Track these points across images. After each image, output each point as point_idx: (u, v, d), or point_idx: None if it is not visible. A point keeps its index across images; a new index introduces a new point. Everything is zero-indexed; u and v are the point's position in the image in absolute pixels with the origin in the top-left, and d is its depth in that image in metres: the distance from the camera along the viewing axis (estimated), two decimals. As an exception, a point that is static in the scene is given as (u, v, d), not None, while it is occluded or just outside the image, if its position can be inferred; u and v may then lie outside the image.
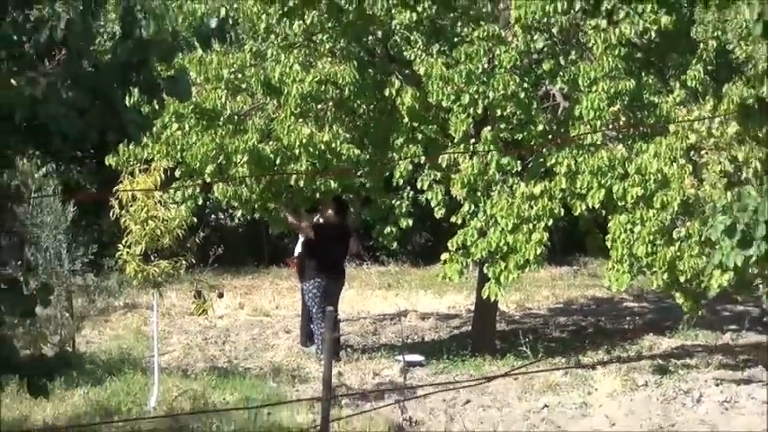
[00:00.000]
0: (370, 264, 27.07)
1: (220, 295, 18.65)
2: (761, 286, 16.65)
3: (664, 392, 16.58)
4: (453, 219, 18.30)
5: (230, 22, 20.22)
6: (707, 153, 17.15)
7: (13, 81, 10.97)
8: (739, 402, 15.96)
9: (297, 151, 18.31)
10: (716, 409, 15.66)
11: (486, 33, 18.02)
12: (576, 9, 18.33)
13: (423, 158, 19.12)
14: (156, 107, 15.68)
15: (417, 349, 19.97)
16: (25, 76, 11.34)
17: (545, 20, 18.05)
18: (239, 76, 19.23)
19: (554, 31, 18.50)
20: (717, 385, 16.84)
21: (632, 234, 16.96)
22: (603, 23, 17.89)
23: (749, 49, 16.75)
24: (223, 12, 17.25)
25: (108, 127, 14.22)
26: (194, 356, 19.30)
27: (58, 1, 11.52)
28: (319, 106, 18.91)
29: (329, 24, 19.06)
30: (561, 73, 18.26)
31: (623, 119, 18.17)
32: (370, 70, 19.31)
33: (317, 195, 19.64)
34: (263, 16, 19.06)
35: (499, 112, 18.05)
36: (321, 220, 19.49)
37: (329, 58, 18.94)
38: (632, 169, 17.08)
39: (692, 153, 17.39)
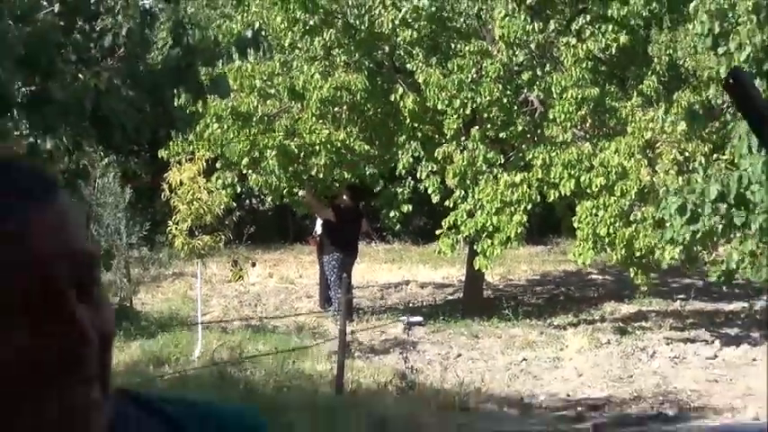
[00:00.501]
0: (378, 242, 27.22)
1: (253, 264, 19.09)
2: (705, 261, 16.68)
3: (623, 349, 16.86)
4: (447, 203, 18.58)
5: (263, 33, 20.49)
6: (661, 146, 17.31)
7: (81, 75, 11.32)
8: (687, 358, 16.22)
9: (317, 147, 18.60)
10: (667, 364, 15.93)
11: (475, 48, 18.47)
12: (551, 29, 18.72)
13: (421, 153, 19.34)
14: (200, 109, 16.00)
15: (417, 312, 20.14)
16: (91, 70, 11.48)
17: (524, 38, 18.26)
18: (269, 83, 19.43)
19: (532, 46, 18.60)
20: (667, 344, 17.13)
21: (596, 217, 17.21)
22: (573, 41, 18.30)
23: (696, 62, 17.03)
24: (257, 24, 17.40)
25: (160, 124, 14.47)
26: (231, 316, 19.32)
27: (119, 14, 11.65)
28: (335, 109, 19.16)
29: (344, 41, 19.29)
30: (538, 82, 18.47)
31: (589, 121, 18.48)
32: (378, 79, 19.57)
33: (335, 184, 19.96)
34: (289, 33, 19.21)
35: (486, 115, 18.41)
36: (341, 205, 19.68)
37: (344, 69, 19.17)
38: (597, 162, 17.36)
39: (647, 150, 17.50)
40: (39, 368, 1.12)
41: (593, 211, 17.38)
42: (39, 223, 1.14)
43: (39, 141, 11.18)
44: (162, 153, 18.98)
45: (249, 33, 15.61)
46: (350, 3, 19.47)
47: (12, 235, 1.12)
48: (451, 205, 18.62)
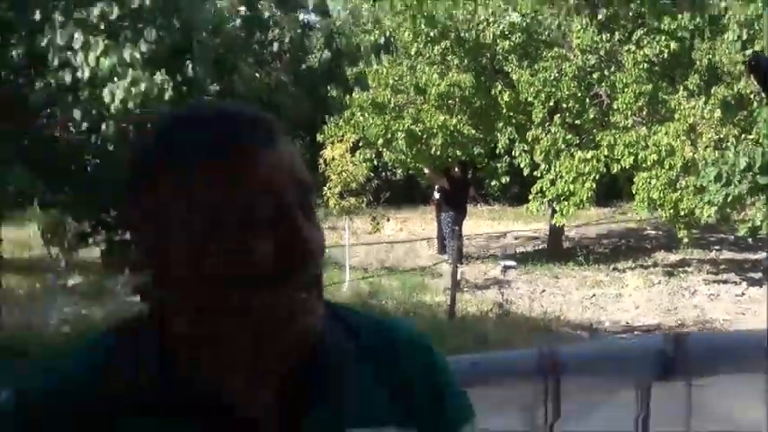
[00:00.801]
0: (482, 204, 27.18)
1: (387, 220, 19.66)
2: (735, 219, 17.29)
3: (670, 288, 17.36)
4: (535, 174, 19.10)
5: (393, 42, 21.44)
6: (701, 129, 17.67)
7: (257, 74, 12.59)
8: (720, 295, 16.72)
9: (435, 131, 19.20)
10: (704, 300, 16.43)
11: (556, 54, 19.02)
12: (616, 39, 19.17)
13: (515, 136, 19.86)
14: (347, 101, 17.37)
15: (511, 258, 20.56)
16: (264, 70, 12.83)
17: (595, 46, 18.98)
18: (399, 81, 20.10)
19: (601, 53, 19.04)
20: (705, 284, 17.61)
21: (650, 185, 17.57)
22: (633, 48, 18.72)
23: (729, 61, 17.69)
24: (388, 33, 18.81)
25: (317, 112, 15.47)
26: (370, 260, 20.19)
27: (285, 27, 12.95)
28: (449, 101, 19.63)
29: (456, 49, 19.83)
30: (605, 80, 18.92)
31: (645, 110, 18.88)
32: (482, 78, 19.96)
33: (449, 160, 20.35)
34: (414, 43, 19.89)
35: (564, 105, 18.93)
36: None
37: (456, 71, 19.66)
38: (651, 143, 17.75)
39: (690, 133, 17.70)
40: (277, 271, 1.18)
41: (648, 180, 17.56)
42: (275, 160, 1.21)
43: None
44: (318, 136, 19.59)
45: (383, 41, 16.77)
46: (461, 19, 19.74)
47: (256, 171, 1.19)
48: (539, 176, 18.86)
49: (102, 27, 9.32)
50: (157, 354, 1.24)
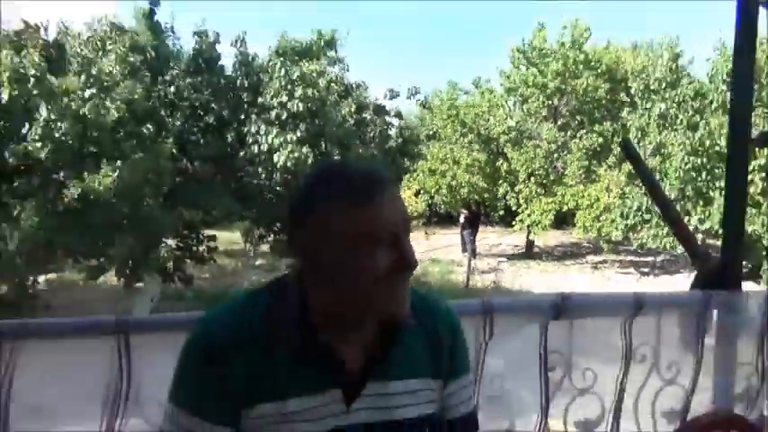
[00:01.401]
0: (488, 226, 24.66)
1: (434, 233, 19.05)
2: (633, 237, 15.16)
3: (595, 276, 16.19)
4: (518, 210, 18.10)
5: (439, 133, 20.37)
6: (613, 187, 16.28)
7: (360, 150, 11.55)
8: (623, 281, 15.50)
9: (463, 185, 18.60)
10: (614, 283, 15.30)
11: (533, 144, 18.17)
12: (567, 135, 18.06)
13: (509, 188, 18.73)
14: (414, 167, 16.47)
15: (504, 256, 19.42)
16: (366, 147, 11.47)
17: (555, 139, 17.99)
18: (443, 157, 19.06)
19: (559, 143, 18.04)
20: (616, 274, 16.42)
21: (584, 218, 16.62)
22: (577, 140, 17.70)
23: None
24: (436, 128, 18.07)
25: (396, 173, 14.89)
26: (423, 256, 17.81)
27: (377, 123, 12.54)
28: (472, 169, 18.87)
29: (476, 139, 19.05)
30: (560, 158, 18.04)
31: (583, 176, 17.67)
32: (491, 156, 19.11)
33: (470, 200, 19.39)
34: (453, 135, 19.18)
35: (537, 172, 17.95)
36: None
37: (476, 152, 18.97)
38: (585, 194, 16.78)
39: (608, 190, 16.44)
40: (391, 274, 1.06)
41: (583, 215, 16.57)
42: (390, 200, 1.08)
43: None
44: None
45: (432, 133, 16.16)
46: (480, 122, 18.78)
47: (381, 210, 1.06)
48: (521, 211, 17.91)
49: (276, 122, 9.47)
50: (299, 316, 1.14)
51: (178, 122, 9.97)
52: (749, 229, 7.75)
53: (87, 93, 8.30)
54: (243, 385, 1.10)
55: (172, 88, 10.04)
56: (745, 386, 2.10)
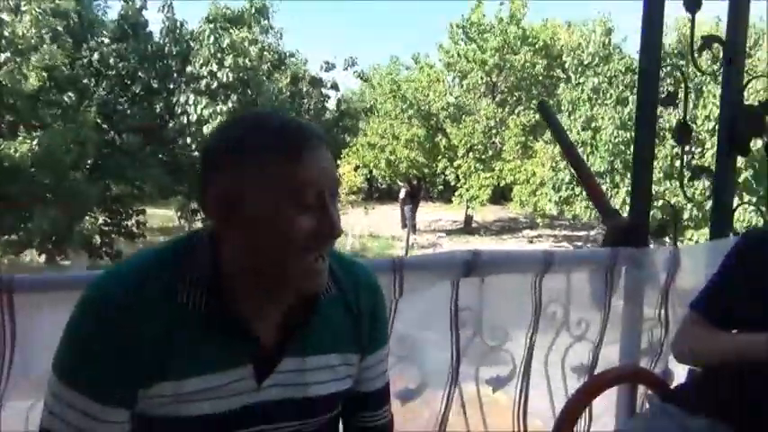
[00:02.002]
0: (428, 201, 25.45)
1: (373, 208, 18.94)
2: (566, 211, 15.65)
3: (531, 250, 17.56)
4: (457, 185, 18.50)
5: (378, 108, 21.16)
6: (548, 162, 16.31)
7: None
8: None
9: (402, 160, 18.83)
10: None
11: (472, 119, 18.44)
12: (505, 111, 18.49)
13: (448, 163, 19.20)
14: (353, 142, 16.53)
15: (443, 231, 19.92)
16: (302, 120, 12.64)
17: (493, 114, 18.33)
18: (383, 132, 19.24)
19: (497, 119, 18.40)
20: (550, 247, 15.52)
21: (521, 193, 17.13)
22: (515, 117, 18.14)
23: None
24: (375, 102, 18.13)
25: (333, 147, 14.96)
26: (364, 231, 18.42)
27: (313, 95, 12.43)
28: (411, 144, 18.99)
29: (416, 115, 19.19)
30: (498, 134, 18.32)
31: (520, 151, 18.11)
32: (430, 131, 19.37)
33: (410, 175, 20.07)
34: (393, 110, 19.17)
35: (475, 148, 18.25)
36: None
37: (416, 127, 19.12)
38: (522, 169, 17.21)
39: (543, 165, 16.53)
40: (312, 239, 0.98)
41: (521, 190, 17.06)
42: (322, 159, 0.99)
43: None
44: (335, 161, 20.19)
45: (369, 107, 16.15)
46: (420, 98, 18.94)
47: (311, 165, 0.97)
48: (460, 186, 18.16)
49: (206, 92, 9.21)
50: (210, 282, 1.01)
51: (104, 91, 9.55)
52: (673, 200, 8.00)
53: (2, 57, 7.82)
54: (141, 360, 0.97)
55: (96, 55, 9.58)
56: (650, 340, 2.13)
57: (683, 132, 2.18)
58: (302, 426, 1.11)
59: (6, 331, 1.46)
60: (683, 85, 2.50)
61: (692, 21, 2.14)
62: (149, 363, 0.97)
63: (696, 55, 2.18)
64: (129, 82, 9.83)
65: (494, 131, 18.84)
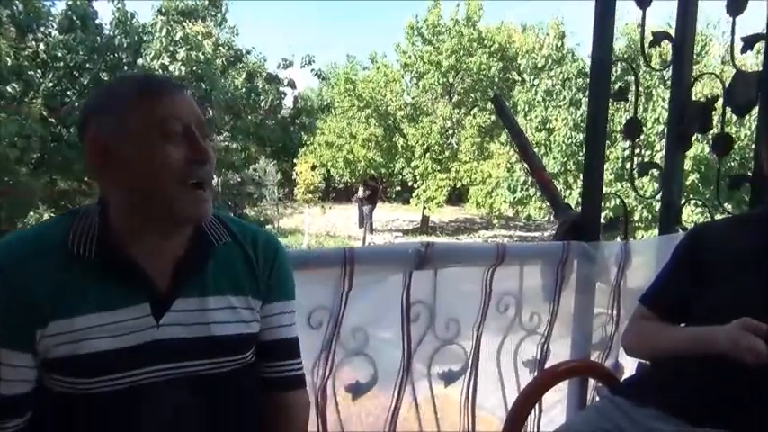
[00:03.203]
0: (385, 201, 25.68)
1: (330, 208, 18.76)
2: (520, 212, 15.52)
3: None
4: (414, 186, 18.61)
5: (335, 106, 20.87)
6: (503, 163, 16.11)
7: (251, 118, 10.57)
8: None
9: (360, 159, 18.72)
10: None
11: (429, 120, 18.38)
12: (462, 112, 18.47)
13: (405, 164, 19.29)
14: (309, 140, 16.36)
15: (400, 232, 19.81)
16: (256, 116, 10.70)
17: (450, 115, 18.32)
18: (340, 130, 19.19)
19: (453, 119, 18.39)
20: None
21: (477, 194, 17.13)
22: (471, 118, 18.10)
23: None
24: (333, 100, 18.11)
25: (291, 145, 14.90)
26: (320, 230, 18.41)
27: (269, 92, 11.21)
28: (369, 143, 18.99)
29: (373, 114, 19.08)
30: (455, 135, 18.35)
31: (476, 152, 18.11)
32: (387, 131, 19.24)
33: (367, 175, 19.81)
34: (350, 109, 19.03)
35: (432, 148, 18.24)
36: None
37: (373, 126, 18.99)
38: (478, 171, 17.28)
39: (498, 166, 16.35)
40: (183, 166, 1.04)
41: (477, 191, 17.23)
42: (183, 99, 1.08)
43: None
44: (294, 159, 18.41)
45: (326, 104, 15.94)
46: (377, 97, 18.84)
47: (173, 103, 1.05)
48: (417, 187, 18.17)
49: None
50: (99, 231, 1.09)
51: (50, 83, 9.22)
52: (626, 201, 8.17)
53: (-60, 45, 7.47)
54: (37, 303, 1.03)
55: (42, 46, 9.25)
56: (601, 334, 2.17)
57: (634, 128, 2.21)
58: (211, 367, 1.13)
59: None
60: (633, 81, 2.54)
61: (643, 16, 2.16)
62: (42, 304, 1.03)
63: (647, 51, 2.20)
64: (77, 74, 9.52)
65: (450, 132, 18.93)
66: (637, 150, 2.36)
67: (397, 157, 19.60)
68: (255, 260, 1.21)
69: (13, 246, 1.06)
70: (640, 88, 10.01)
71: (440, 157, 18.78)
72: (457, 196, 22.98)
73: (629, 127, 2.21)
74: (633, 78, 2.30)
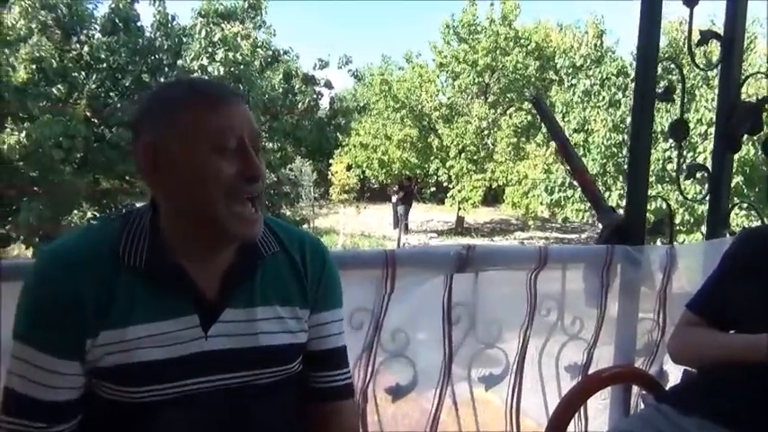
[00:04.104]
0: (420, 202, 25.17)
1: (365, 207, 18.64)
2: (557, 214, 15.34)
3: None
4: (449, 186, 18.45)
5: (371, 107, 20.92)
6: (540, 164, 16.02)
7: (288, 119, 10.62)
8: None
9: (395, 160, 18.68)
10: None
11: (464, 120, 18.27)
12: (498, 112, 18.38)
13: (440, 164, 19.13)
14: (345, 141, 16.28)
15: (434, 232, 19.63)
16: (293, 117, 10.73)
17: (486, 116, 18.13)
18: (376, 131, 19.12)
19: (489, 120, 18.25)
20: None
21: (513, 195, 16.94)
22: (507, 118, 18.01)
23: None
24: (369, 101, 18.00)
25: (328, 146, 14.95)
26: (355, 230, 18.23)
27: (305, 93, 11.53)
28: (404, 144, 18.89)
29: (409, 115, 18.98)
30: (491, 135, 18.20)
31: (512, 153, 17.91)
32: (423, 132, 19.17)
33: (402, 176, 19.56)
34: (386, 110, 18.96)
35: (468, 149, 18.09)
36: None
37: (409, 127, 18.95)
38: (514, 171, 17.09)
39: (536, 167, 16.32)
40: (235, 182, 1.02)
41: (512, 192, 17.06)
42: (240, 111, 1.04)
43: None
44: (330, 160, 18.18)
45: (362, 106, 15.91)
46: (413, 98, 18.82)
47: (228, 114, 1.02)
48: (452, 187, 18.05)
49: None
50: (150, 239, 1.09)
51: (93, 85, 9.46)
52: (664, 205, 7.99)
53: (-10, 48, 7.73)
54: (87, 313, 1.03)
55: (86, 48, 9.49)
56: (646, 340, 2.12)
57: (680, 128, 2.16)
58: (257, 377, 1.13)
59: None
60: (678, 81, 2.48)
61: (691, 14, 2.11)
62: (92, 313, 1.02)
63: (694, 50, 2.15)
64: (119, 75, 9.74)
65: (486, 132, 18.74)
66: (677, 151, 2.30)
67: (432, 158, 19.51)
68: (304, 269, 1.20)
69: (62, 253, 1.05)
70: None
71: (475, 158, 18.63)
72: (492, 197, 22.74)
73: (676, 128, 2.16)
74: (679, 78, 2.24)
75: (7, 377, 1.06)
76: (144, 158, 1.05)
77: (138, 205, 1.20)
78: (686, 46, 2.14)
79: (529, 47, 18.36)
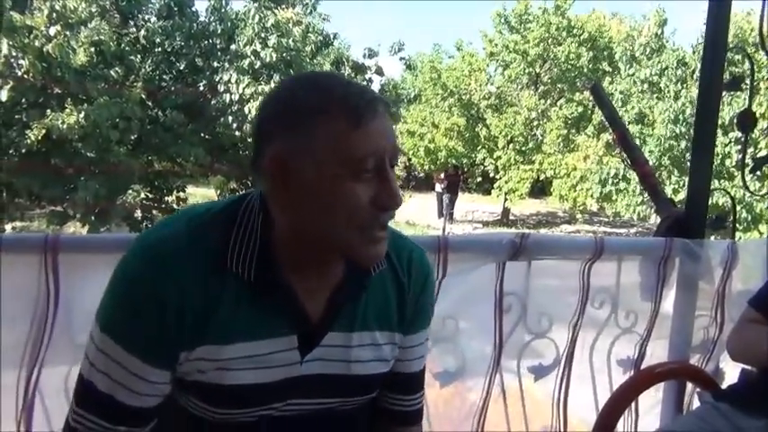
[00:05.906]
0: (466, 192, 24.36)
1: (410, 197, 18.50)
2: (606, 207, 15.29)
3: None
4: (496, 177, 18.17)
5: (420, 95, 21.04)
6: (591, 156, 16.27)
7: None
8: None
9: (441, 149, 18.45)
10: None
11: (513, 110, 17.98)
12: (547, 103, 17.97)
13: (487, 154, 19.10)
14: None
15: (479, 223, 19.50)
16: None
17: (535, 106, 17.78)
18: (423, 119, 19.06)
19: (539, 110, 17.90)
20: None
21: (561, 187, 16.52)
22: (557, 109, 17.55)
23: None
24: (418, 90, 17.80)
25: None
26: (401, 219, 17.46)
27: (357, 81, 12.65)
28: (451, 133, 18.72)
29: (456, 104, 18.76)
30: (540, 126, 17.88)
31: (561, 144, 17.50)
32: (470, 121, 18.89)
33: (448, 165, 19.41)
34: (434, 99, 18.93)
35: (516, 139, 17.79)
36: None
37: (456, 116, 18.73)
38: (563, 163, 16.69)
39: (586, 159, 16.36)
40: (371, 210, 0.92)
41: (560, 184, 16.70)
42: (383, 125, 0.93)
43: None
44: None
45: (413, 95, 15.92)
46: (461, 86, 18.59)
47: (372, 133, 0.91)
48: (499, 178, 17.89)
49: (249, 71, 9.24)
50: (259, 248, 0.97)
51: (149, 68, 9.68)
52: (720, 201, 7.76)
53: (52, 30, 8.00)
54: (187, 323, 0.94)
55: (143, 32, 9.71)
56: (702, 337, 2.06)
57: (748, 119, 2.07)
58: (341, 404, 1.08)
59: (50, 292, 1.47)
60: (747, 71, 2.38)
61: (764, 4, 2.01)
62: (192, 324, 0.94)
63: (765, 39, 2.05)
64: (174, 59, 9.94)
65: (535, 123, 18.39)
66: (739, 147, 2.21)
67: (479, 148, 19.29)
68: (408, 290, 1.11)
69: (164, 253, 0.94)
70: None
71: (523, 149, 18.33)
72: (539, 189, 22.32)
73: (743, 118, 2.08)
74: (749, 68, 2.15)
75: (87, 368, 0.97)
76: (270, 167, 0.93)
77: (239, 193, 1.07)
78: (756, 36, 2.03)
79: (582, 37, 17.96)
